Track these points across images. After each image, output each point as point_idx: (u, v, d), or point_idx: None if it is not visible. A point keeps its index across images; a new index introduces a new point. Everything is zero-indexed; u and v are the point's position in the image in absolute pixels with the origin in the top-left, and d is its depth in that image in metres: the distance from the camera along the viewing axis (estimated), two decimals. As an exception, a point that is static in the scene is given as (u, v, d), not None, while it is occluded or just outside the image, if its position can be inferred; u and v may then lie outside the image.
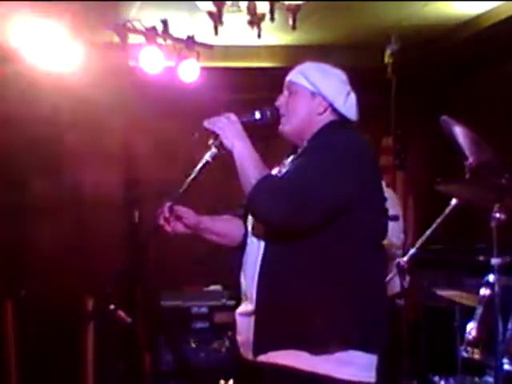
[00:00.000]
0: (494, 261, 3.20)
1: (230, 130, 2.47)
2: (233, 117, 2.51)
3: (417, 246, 3.86)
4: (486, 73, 6.10)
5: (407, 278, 4.33)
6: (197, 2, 4.61)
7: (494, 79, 5.98)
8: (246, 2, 4.54)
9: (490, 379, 3.55)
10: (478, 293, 3.43)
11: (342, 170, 2.38)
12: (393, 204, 4.26)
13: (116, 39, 5.12)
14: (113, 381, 5.19)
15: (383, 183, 2.68)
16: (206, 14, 4.60)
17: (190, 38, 5.37)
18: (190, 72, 5.45)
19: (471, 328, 3.38)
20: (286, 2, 4.52)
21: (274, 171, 2.63)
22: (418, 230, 4.83)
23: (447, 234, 3.94)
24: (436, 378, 3.83)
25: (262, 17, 4.59)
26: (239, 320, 2.57)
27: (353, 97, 2.62)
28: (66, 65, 5.05)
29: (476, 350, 3.33)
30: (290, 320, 2.39)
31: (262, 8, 4.54)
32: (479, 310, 3.38)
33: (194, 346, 5.65)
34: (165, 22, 5.22)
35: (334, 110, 2.58)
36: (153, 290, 5.60)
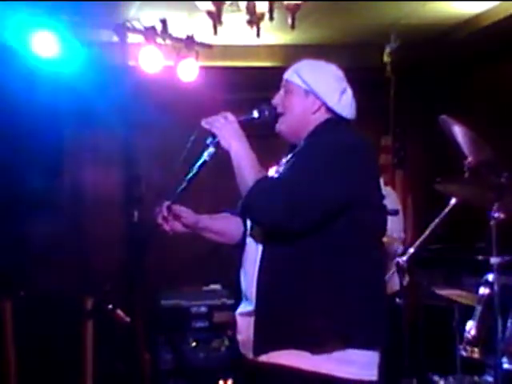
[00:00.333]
0: (493, 260, 3.20)
1: (227, 129, 2.47)
2: (230, 116, 2.51)
3: (416, 245, 3.87)
4: (486, 72, 6.10)
5: (406, 278, 4.34)
6: (196, 2, 4.61)
7: (493, 78, 5.98)
8: (245, 2, 4.54)
9: (490, 378, 3.56)
10: (477, 292, 3.43)
11: (336, 170, 2.37)
12: (392, 200, 4.26)
13: (115, 39, 5.12)
14: (112, 380, 5.19)
15: (381, 181, 2.68)
16: (205, 13, 4.60)
17: (190, 38, 5.37)
18: (189, 71, 5.45)
19: (470, 327, 3.38)
20: (285, 2, 4.52)
21: (273, 170, 2.63)
22: (417, 229, 4.83)
23: (446, 233, 3.94)
24: (435, 377, 3.84)
25: (261, 16, 4.59)
26: (239, 320, 2.57)
27: (349, 94, 2.60)
28: (66, 64, 5.05)
29: (475, 349, 3.33)
30: (289, 320, 2.38)
31: (261, 7, 4.54)
32: (478, 309, 3.38)
33: (193, 345, 5.64)
34: (164, 22, 5.22)
35: (328, 109, 2.57)
36: (152, 290, 5.60)
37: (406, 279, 4.30)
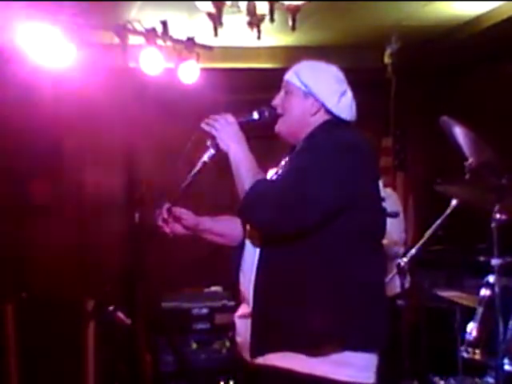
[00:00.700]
0: (495, 261, 3.20)
1: (225, 131, 2.47)
2: (230, 118, 2.51)
3: (417, 246, 3.86)
4: (486, 73, 6.10)
5: (408, 279, 4.34)
6: (196, 3, 4.60)
7: (494, 79, 5.98)
8: (246, 3, 4.54)
9: (491, 380, 3.55)
10: (478, 293, 3.43)
11: (334, 171, 2.36)
12: (392, 201, 4.26)
13: (116, 40, 5.12)
14: (113, 382, 5.18)
15: (381, 183, 2.67)
16: (205, 15, 4.60)
17: (190, 40, 5.37)
18: (190, 73, 5.45)
19: (472, 328, 3.38)
20: (286, 3, 4.51)
21: (272, 172, 2.63)
22: (418, 230, 4.83)
23: (447, 234, 3.93)
24: (437, 379, 3.84)
25: (262, 18, 4.59)
26: (238, 322, 2.57)
27: (348, 96, 2.59)
28: (66, 66, 5.05)
29: (476, 351, 3.33)
30: (286, 322, 2.38)
31: (262, 9, 4.54)
32: (480, 311, 3.38)
33: (194, 347, 5.64)
34: (164, 23, 5.22)
35: (327, 111, 2.56)
36: (153, 291, 5.59)
37: (408, 280, 4.31)
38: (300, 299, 2.37)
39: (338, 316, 2.37)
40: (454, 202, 3.68)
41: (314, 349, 2.36)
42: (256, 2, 4.51)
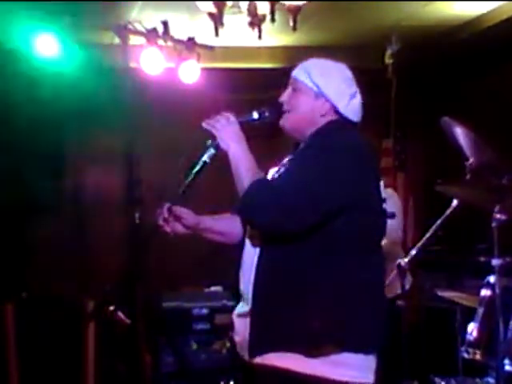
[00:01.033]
0: (495, 262, 3.20)
1: (226, 131, 2.47)
2: (231, 117, 2.51)
3: (418, 247, 3.86)
4: (487, 73, 6.10)
5: (409, 279, 4.34)
6: (197, 3, 4.60)
7: (495, 79, 5.98)
8: (247, 3, 4.54)
9: (492, 380, 3.54)
10: (478, 294, 3.43)
11: (335, 172, 2.36)
12: (393, 202, 4.26)
13: (117, 40, 5.12)
14: (113, 382, 5.18)
15: (382, 184, 2.67)
16: (206, 15, 4.60)
17: (191, 40, 5.37)
18: (191, 73, 5.46)
19: (472, 329, 3.38)
20: (287, 3, 4.51)
21: (274, 170, 2.63)
22: (418, 230, 4.83)
23: (448, 234, 3.93)
24: (437, 379, 3.83)
25: (263, 18, 4.59)
26: (237, 321, 2.57)
27: (358, 98, 2.59)
28: (68, 66, 5.05)
29: (477, 351, 3.33)
30: (285, 321, 2.38)
31: (263, 9, 4.54)
32: (480, 311, 3.38)
33: (194, 347, 5.64)
34: (165, 24, 5.22)
35: (336, 112, 2.56)
36: (153, 292, 5.59)
37: (409, 281, 4.31)
38: (299, 299, 2.36)
39: (337, 316, 2.36)
40: (454, 203, 3.68)
41: (313, 349, 2.35)
42: (257, 2, 4.51)
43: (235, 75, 6.16)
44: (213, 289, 5.94)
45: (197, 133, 2.51)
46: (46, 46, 4.90)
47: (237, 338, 2.56)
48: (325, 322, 2.35)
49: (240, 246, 2.61)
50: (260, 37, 4.65)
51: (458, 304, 3.94)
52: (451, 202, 3.70)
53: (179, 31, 5.31)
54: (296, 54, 6.02)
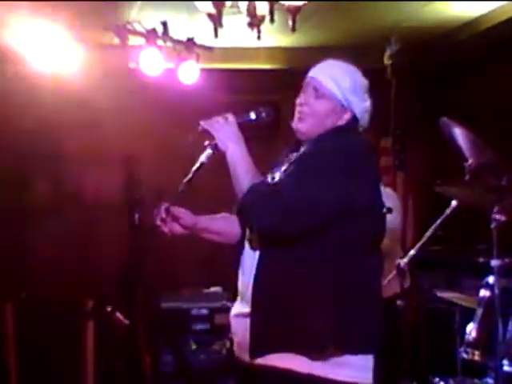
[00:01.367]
0: (494, 262, 3.20)
1: (224, 131, 2.47)
2: (230, 118, 2.50)
3: (417, 247, 3.86)
4: (486, 74, 6.10)
5: (408, 279, 4.34)
6: (196, 4, 4.61)
7: (494, 80, 5.98)
8: (246, 3, 4.54)
9: (490, 381, 3.55)
10: (477, 294, 3.43)
11: (336, 176, 2.36)
12: (389, 201, 4.25)
13: (116, 41, 5.13)
14: (112, 382, 5.19)
15: (381, 183, 2.68)
16: (205, 15, 4.60)
17: (190, 40, 5.37)
18: (190, 74, 5.46)
19: (471, 329, 3.38)
20: (286, 3, 4.51)
21: (276, 169, 2.62)
22: (417, 231, 4.83)
23: (447, 235, 3.93)
24: (436, 380, 3.83)
25: (262, 18, 4.59)
26: (235, 321, 2.56)
27: (370, 109, 2.60)
28: (66, 66, 5.05)
29: (476, 352, 3.33)
30: (285, 322, 2.38)
31: (262, 9, 4.54)
32: (479, 312, 3.38)
33: (194, 347, 5.64)
34: (165, 24, 5.22)
35: (354, 122, 2.56)
36: (153, 292, 5.59)
37: (408, 281, 4.31)
38: (299, 300, 2.37)
39: (338, 317, 2.36)
40: (453, 203, 3.68)
41: (313, 349, 2.36)
42: (256, 3, 4.51)
43: (234, 76, 6.15)
44: (212, 289, 5.94)
45: (194, 132, 2.51)
46: (46, 46, 4.90)
47: (236, 339, 2.55)
48: (325, 323, 2.35)
49: (238, 246, 2.62)
50: (259, 37, 4.65)
51: (457, 304, 3.95)
52: (450, 202, 3.70)
53: (178, 32, 5.31)
54: (295, 55, 6.03)
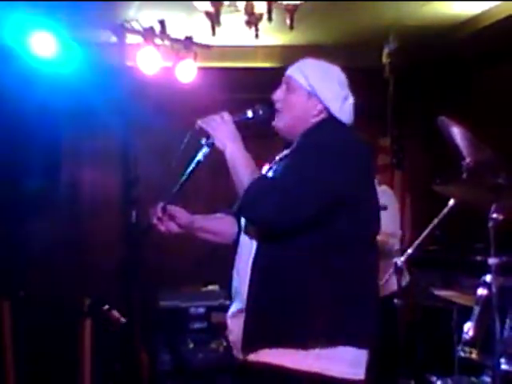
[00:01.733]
0: (492, 261, 3.20)
1: (221, 130, 2.48)
2: (226, 116, 2.52)
3: (414, 245, 3.86)
4: (484, 72, 6.10)
5: (407, 278, 4.34)
6: (194, 3, 4.60)
7: (492, 79, 5.98)
8: (244, 2, 4.54)
9: (488, 379, 3.55)
10: (475, 293, 3.43)
11: (329, 168, 2.38)
12: (387, 197, 4.25)
13: (114, 39, 5.12)
14: (110, 381, 5.18)
15: (376, 181, 2.68)
16: (203, 14, 4.60)
17: (188, 39, 5.37)
18: (188, 72, 5.45)
19: (468, 328, 3.38)
20: (284, 2, 4.51)
21: (266, 168, 2.63)
22: (415, 229, 4.83)
23: (445, 233, 3.94)
24: (433, 378, 3.83)
25: (260, 17, 4.59)
26: (230, 321, 2.57)
27: (350, 101, 2.61)
28: (64, 64, 5.05)
29: (473, 350, 3.33)
30: (279, 317, 2.39)
31: (260, 8, 4.54)
32: (476, 310, 3.38)
33: (191, 346, 5.64)
34: (162, 23, 5.22)
35: (329, 113, 2.58)
36: (150, 290, 5.60)
37: (406, 279, 4.31)
38: (294, 296, 2.38)
39: (332, 312, 2.38)
40: (451, 202, 3.68)
41: (307, 345, 2.37)
42: (254, 2, 4.51)
43: (232, 74, 6.15)
44: (209, 288, 5.94)
45: (190, 131, 2.51)
46: (43, 45, 4.90)
47: (231, 337, 2.56)
48: (319, 318, 2.37)
49: (234, 246, 2.62)
50: (257, 36, 4.65)
51: (455, 303, 3.94)
52: (448, 200, 3.70)
53: (176, 30, 5.31)
54: (293, 53, 6.01)
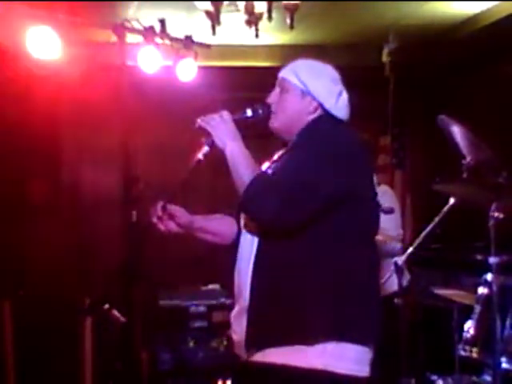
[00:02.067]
0: (492, 260, 3.20)
1: (221, 129, 2.48)
2: (226, 115, 2.52)
3: (415, 244, 3.86)
4: (484, 72, 6.10)
5: (408, 277, 4.34)
6: (195, 2, 4.61)
7: (492, 78, 5.98)
8: (244, 2, 4.54)
9: (488, 378, 3.55)
10: (475, 292, 3.43)
11: (328, 165, 2.39)
12: (387, 198, 4.26)
13: (114, 38, 5.11)
14: (111, 380, 5.18)
15: (375, 180, 2.69)
16: (203, 13, 4.60)
17: (188, 38, 5.36)
18: (188, 71, 5.45)
19: (469, 327, 3.38)
20: (284, 2, 4.51)
21: (265, 166, 2.64)
22: (415, 228, 4.83)
23: (445, 232, 3.94)
24: (434, 377, 3.83)
25: (260, 16, 4.59)
26: (234, 321, 2.57)
27: (344, 97, 2.62)
28: (64, 64, 5.04)
29: (474, 349, 3.33)
30: (282, 314, 2.40)
31: (260, 7, 4.54)
32: (477, 309, 3.38)
33: (192, 345, 5.64)
34: (163, 22, 5.21)
35: (324, 110, 2.59)
36: (150, 289, 5.60)
37: (407, 278, 4.31)
38: (295, 292, 2.39)
39: (335, 310, 2.39)
40: (451, 201, 3.68)
41: (311, 343, 2.37)
42: (254, 1, 4.51)
43: (232, 73, 6.16)
44: (210, 286, 5.94)
45: (192, 130, 2.52)
46: (43, 44, 4.89)
47: (235, 337, 2.56)
48: (323, 316, 2.37)
49: (232, 247, 2.62)
50: (257, 35, 4.66)
51: (455, 302, 3.94)
52: (448, 199, 3.70)
53: (176, 29, 5.30)
54: (293, 53, 6.01)
